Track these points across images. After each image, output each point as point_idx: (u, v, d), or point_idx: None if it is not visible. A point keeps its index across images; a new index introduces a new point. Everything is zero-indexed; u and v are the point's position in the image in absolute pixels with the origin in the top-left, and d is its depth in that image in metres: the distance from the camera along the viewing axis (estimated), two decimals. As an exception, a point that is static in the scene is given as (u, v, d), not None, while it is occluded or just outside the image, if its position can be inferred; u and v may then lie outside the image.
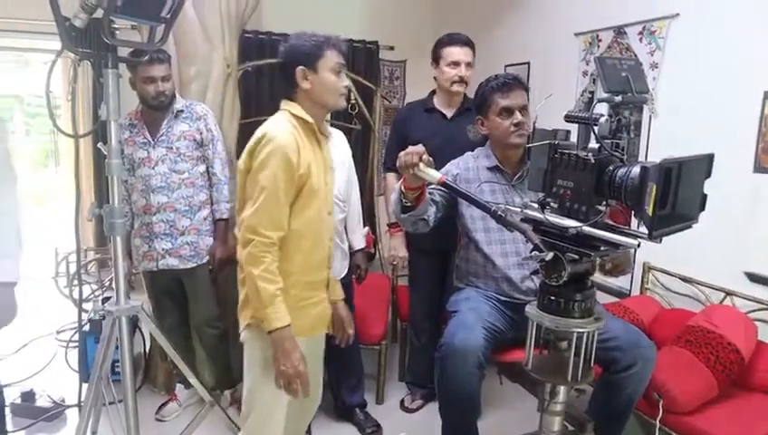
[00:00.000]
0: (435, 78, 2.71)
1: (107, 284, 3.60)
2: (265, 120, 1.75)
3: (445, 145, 2.40)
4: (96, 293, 3.62)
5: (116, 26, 1.80)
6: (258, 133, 1.66)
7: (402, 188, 1.84)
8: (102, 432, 2.11)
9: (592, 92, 3.23)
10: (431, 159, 1.69)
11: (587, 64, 3.26)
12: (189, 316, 2.73)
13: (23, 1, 3.49)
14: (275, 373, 1.66)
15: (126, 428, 1.95)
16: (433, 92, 2.77)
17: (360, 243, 2.57)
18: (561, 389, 1.61)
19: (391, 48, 4.78)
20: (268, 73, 4.26)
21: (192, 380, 2.18)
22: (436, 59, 2.66)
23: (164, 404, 2.79)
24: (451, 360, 1.81)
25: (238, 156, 2.90)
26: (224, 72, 2.86)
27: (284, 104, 1.74)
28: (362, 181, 3.13)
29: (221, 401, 2.72)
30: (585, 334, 1.49)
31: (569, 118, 1.53)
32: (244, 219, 1.65)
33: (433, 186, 1.87)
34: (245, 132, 3.01)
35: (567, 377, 1.52)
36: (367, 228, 2.68)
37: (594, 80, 3.19)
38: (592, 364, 1.57)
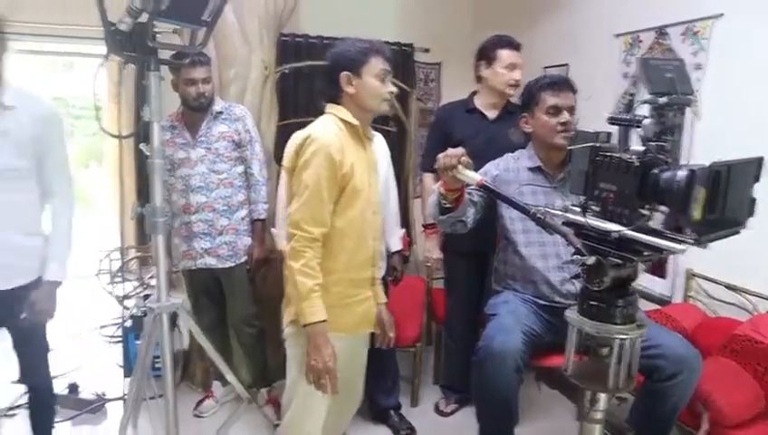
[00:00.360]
0: (479, 78, 2.65)
1: (147, 281, 3.68)
2: (303, 121, 1.80)
3: (487, 146, 2.37)
4: (137, 290, 3.71)
5: (157, 30, 1.84)
6: (304, 134, 1.72)
7: (441, 189, 1.84)
8: (142, 426, 2.16)
9: (633, 94, 3.16)
10: (470, 160, 1.69)
11: (627, 66, 3.19)
12: (227, 315, 2.77)
13: (68, 7, 3.61)
14: (306, 367, 1.70)
15: (166, 422, 2.00)
16: (473, 93, 2.74)
17: (397, 245, 2.57)
18: (602, 396, 1.57)
19: (426, 50, 4.77)
20: (305, 76, 4.30)
21: (230, 377, 2.21)
22: (488, 60, 2.59)
23: (201, 401, 2.84)
24: (489, 363, 1.80)
25: (276, 157, 2.98)
26: (262, 75, 2.90)
27: (329, 107, 1.80)
28: (397, 184, 3.13)
29: (257, 400, 2.76)
30: (627, 341, 1.46)
31: (613, 120, 1.50)
32: (289, 215, 1.71)
33: (472, 187, 1.86)
34: (283, 134, 3.06)
35: (608, 384, 1.48)
36: (403, 230, 2.68)
37: (635, 82, 3.12)
38: (634, 372, 1.53)
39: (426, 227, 2.83)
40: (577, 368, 1.57)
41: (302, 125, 1.91)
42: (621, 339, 1.45)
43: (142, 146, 1.90)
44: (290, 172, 1.77)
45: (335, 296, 1.75)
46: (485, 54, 2.60)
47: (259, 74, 2.88)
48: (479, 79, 2.66)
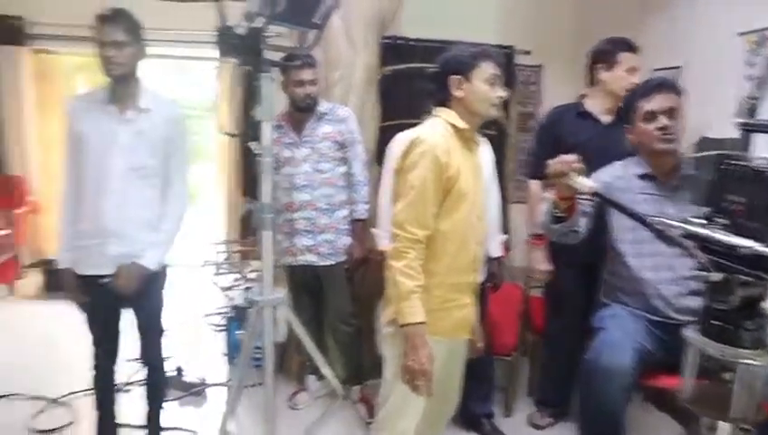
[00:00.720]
0: (593, 81, 2.54)
1: (247, 274, 3.84)
2: (404, 123, 1.80)
3: (601, 152, 2.22)
4: (238, 282, 3.87)
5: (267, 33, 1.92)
6: (412, 135, 1.73)
7: (553, 197, 1.79)
8: (240, 412, 2.25)
9: (756, 98, 2.90)
10: (584, 167, 1.62)
11: (751, 67, 2.95)
12: (324, 312, 2.84)
13: (180, 14, 3.86)
14: (402, 367, 1.70)
15: (264, 410, 2.08)
16: (582, 96, 2.62)
17: (497, 251, 2.52)
18: (722, 426, 1.46)
19: (527, 53, 4.66)
20: (405, 78, 4.33)
21: (326, 372, 2.26)
22: (608, 63, 2.47)
23: (296, 393, 2.93)
24: (596, 380, 1.72)
25: (377, 159, 3.02)
26: (365, 77, 2.95)
27: (438, 110, 1.81)
28: (497, 188, 3.08)
29: (351, 397, 2.81)
30: (756, 368, 1.34)
31: (746, 126, 1.39)
32: (393, 215, 1.72)
33: (583, 195, 1.79)
34: (385, 136, 3.09)
35: (730, 413, 1.37)
36: (504, 236, 2.62)
37: (760, 84, 2.86)
38: (762, 402, 1.40)
39: (533, 236, 2.73)
40: (695, 392, 1.47)
41: (403, 127, 1.93)
42: (750, 365, 1.33)
43: (254, 145, 1.98)
44: (395, 173, 1.78)
45: (435, 300, 1.75)
46: (604, 57, 2.48)
47: (362, 76, 2.92)
48: (593, 82, 2.54)
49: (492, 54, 1.76)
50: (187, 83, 7.60)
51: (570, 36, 4.53)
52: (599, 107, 2.53)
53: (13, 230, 4.41)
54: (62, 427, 2.69)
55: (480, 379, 2.61)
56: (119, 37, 1.98)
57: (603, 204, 1.94)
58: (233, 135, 2.27)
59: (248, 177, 4.08)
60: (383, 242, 2.51)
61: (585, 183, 1.61)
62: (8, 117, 4.69)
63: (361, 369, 2.86)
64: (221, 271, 3.99)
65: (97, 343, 2.24)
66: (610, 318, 1.95)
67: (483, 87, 1.73)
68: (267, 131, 1.96)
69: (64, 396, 2.90)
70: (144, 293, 2.13)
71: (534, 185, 2.63)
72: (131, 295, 2.11)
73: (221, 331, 3.60)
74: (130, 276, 2.07)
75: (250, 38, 1.85)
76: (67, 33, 4.54)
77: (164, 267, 2.21)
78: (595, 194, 1.60)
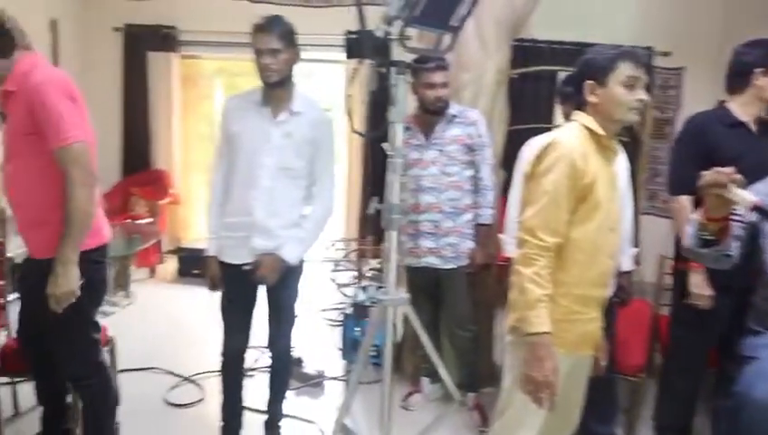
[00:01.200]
0: (744, 87, 2.29)
1: (365, 272, 3.93)
2: (531, 128, 1.75)
3: (758, 167, 1.92)
4: (355, 279, 3.98)
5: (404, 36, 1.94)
6: (547, 139, 1.68)
7: (701, 218, 1.64)
8: (354, 407, 2.30)
9: None
10: (742, 178, 1.47)
11: None
12: (441, 316, 2.83)
13: (310, 19, 4.02)
14: (523, 377, 1.65)
15: (381, 407, 2.11)
16: (722, 102, 2.37)
17: (628, 264, 2.38)
18: None
19: (667, 54, 4.37)
20: (532, 81, 4.23)
21: (444, 376, 2.24)
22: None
23: (410, 394, 2.94)
24: (747, 414, 1.56)
25: (504, 163, 2.96)
26: (495, 80, 2.90)
27: (576, 115, 1.75)
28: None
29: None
30: None
31: None
32: (523, 221, 1.67)
33: (735, 214, 1.63)
34: (512, 140, 3.03)
35: None
36: (636, 250, 2.47)
37: None
38: None
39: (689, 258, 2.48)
40: None
41: (530, 131, 1.87)
42: None
43: (385, 145, 2.01)
44: (527, 178, 1.73)
45: (562, 310, 1.68)
46: (763, 61, 2.23)
47: (492, 79, 2.88)
48: (743, 88, 2.30)
49: (631, 54, 1.66)
50: (312, 86, 7.97)
51: (715, 36, 4.19)
52: (747, 116, 2.29)
53: (156, 219, 4.83)
54: (192, 403, 2.90)
55: (603, 398, 2.46)
56: (274, 45, 2.06)
57: (758, 224, 1.75)
58: (363, 135, 2.31)
59: (375, 177, 4.16)
60: (509, 248, 2.45)
61: (745, 196, 1.46)
62: (157, 116, 5.17)
63: (477, 375, 2.81)
64: (339, 268, 4.13)
65: (228, 330, 2.34)
66: (764, 348, 1.76)
67: (619, 91, 1.63)
68: (399, 133, 1.98)
69: (196, 375, 3.12)
70: (281, 284, 2.23)
71: (684, 200, 2.34)
72: (270, 285, 2.23)
73: (337, 326, 3.71)
74: (271, 267, 2.17)
75: (384, 41, 1.88)
76: (211, 39, 4.94)
77: (301, 262, 2.31)
78: (756, 208, 1.45)
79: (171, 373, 3.17)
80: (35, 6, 4.40)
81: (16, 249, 2.58)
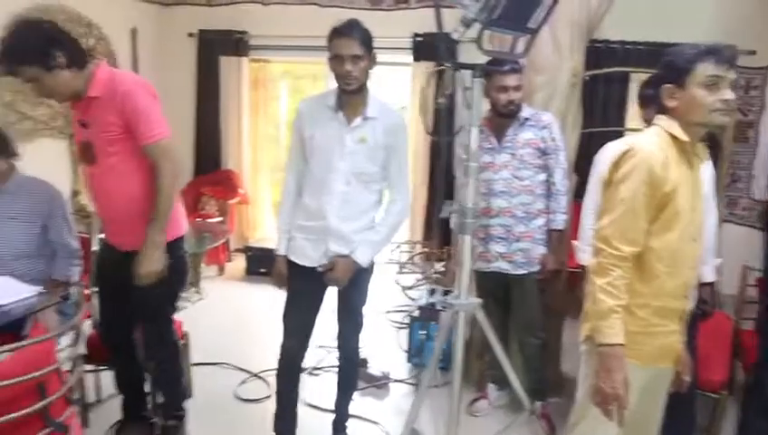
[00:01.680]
0: None
1: (430, 275, 3.91)
2: (603, 131, 1.69)
3: None
4: (420, 282, 3.97)
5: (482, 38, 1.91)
6: (625, 145, 1.62)
7: None
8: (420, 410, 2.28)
9: None
10: None
11: None
12: (510, 322, 2.78)
13: (375, 22, 4.02)
14: (593, 388, 1.60)
15: (449, 412, 2.09)
16: None
17: (710, 275, 2.27)
18: None
19: (752, 53, 4.13)
20: (604, 83, 4.11)
21: (515, 384, 2.20)
22: None
23: (476, 400, 2.90)
24: None
25: (576, 167, 2.89)
26: (569, 82, 2.83)
27: (657, 119, 1.67)
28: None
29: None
30: None
31: None
32: (598, 229, 1.63)
33: None
34: (583, 143, 2.95)
35: None
36: (719, 260, 2.35)
37: None
38: None
39: None
40: None
41: (602, 135, 1.80)
42: None
43: (459, 149, 2.00)
44: (604, 184, 1.68)
45: (639, 322, 1.62)
46: None
47: (566, 82, 2.81)
48: None
49: (712, 52, 1.54)
50: (379, 89, 8.01)
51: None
52: None
53: (226, 218, 4.98)
54: (260, 399, 2.97)
55: (682, 415, 2.36)
56: (356, 51, 2.02)
57: None
58: (437, 138, 2.29)
59: (443, 180, 4.12)
60: (583, 256, 2.38)
61: None
62: (227, 119, 5.33)
63: (545, 384, 2.75)
64: (403, 270, 4.12)
65: (288, 332, 2.32)
66: None
67: (699, 93, 1.54)
68: (474, 136, 1.98)
69: (263, 371, 3.19)
70: (352, 285, 2.24)
71: None
72: (341, 287, 2.24)
73: (402, 328, 3.71)
74: (345, 269, 2.18)
75: (455, 44, 1.87)
76: (279, 43, 5.06)
77: (372, 264, 2.32)
78: None
79: (240, 369, 3.26)
80: (117, 17, 4.67)
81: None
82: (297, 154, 2.26)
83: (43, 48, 1.93)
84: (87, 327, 2.74)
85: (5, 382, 1.41)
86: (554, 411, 2.73)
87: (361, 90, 2.13)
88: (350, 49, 2.02)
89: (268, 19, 5.14)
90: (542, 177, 2.58)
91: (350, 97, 2.13)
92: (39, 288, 2.12)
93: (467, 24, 1.82)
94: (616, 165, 1.61)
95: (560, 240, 2.61)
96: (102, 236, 2.37)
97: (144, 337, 2.33)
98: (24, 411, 1.48)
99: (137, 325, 2.34)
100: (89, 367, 2.56)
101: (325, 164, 2.16)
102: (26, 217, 2.32)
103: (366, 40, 2.06)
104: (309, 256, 2.24)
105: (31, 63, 1.93)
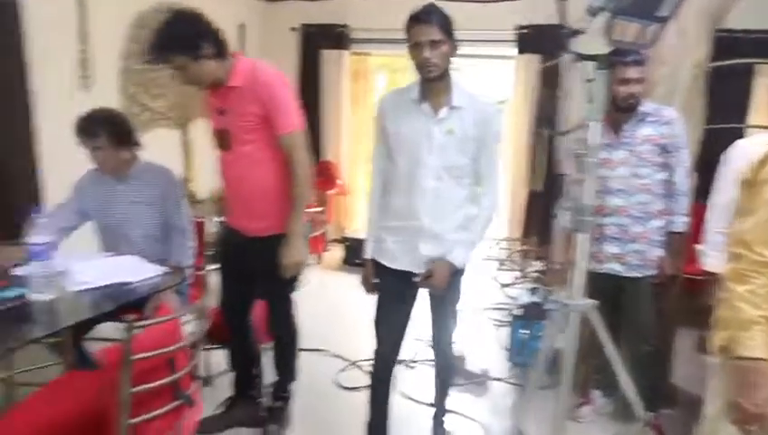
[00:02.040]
0: None
1: (530, 273, 3.82)
2: (729, 128, 1.54)
3: None
4: (518, 280, 3.88)
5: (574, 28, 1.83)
6: None
7: None
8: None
9: None
10: None
11: None
12: (621, 327, 2.65)
13: (478, 15, 3.96)
14: (730, 403, 1.49)
15: (554, 416, 2.03)
16: None
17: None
18: None
19: None
20: (726, 75, 3.82)
21: (629, 391, 2.10)
22: None
23: (581, 405, 2.80)
24: None
25: (698, 165, 2.70)
26: (692, 74, 2.65)
27: None
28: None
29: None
30: None
31: None
32: (737, 233, 1.51)
33: None
34: (709, 140, 2.76)
35: None
36: None
37: None
38: None
39: None
40: None
41: (727, 131, 1.66)
42: None
43: (575, 145, 1.92)
44: (744, 184, 1.55)
45: None
46: None
47: (689, 74, 2.64)
48: None
49: None
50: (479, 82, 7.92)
51: None
52: None
53: (325, 208, 5.11)
54: (359, 387, 3.01)
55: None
56: (435, 36, 1.91)
57: None
58: (560, 133, 2.21)
59: (549, 175, 3.98)
60: (709, 261, 2.23)
61: None
62: (327, 110, 5.46)
63: (658, 393, 2.60)
64: (502, 268, 4.04)
65: (381, 340, 2.24)
66: None
67: None
68: (595, 131, 1.89)
69: (361, 360, 3.24)
70: (446, 286, 2.12)
71: None
72: (440, 292, 2.14)
73: (501, 326, 3.65)
74: (443, 275, 2.06)
75: (567, 35, 1.80)
76: (378, 36, 5.11)
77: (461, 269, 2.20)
78: None
79: (339, 357, 3.33)
80: (227, 14, 4.89)
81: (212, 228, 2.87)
82: (381, 152, 2.18)
83: (193, 39, 2.05)
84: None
85: (147, 354, 1.51)
86: (667, 424, 2.59)
87: (443, 77, 2.00)
88: (428, 35, 1.91)
89: (368, 12, 5.22)
90: (662, 175, 2.43)
91: (433, 85, 2.01)
92: (164, 268, 2.23)
93: (594, 12, 1.76)
94: (762, 163, 1.49)
95: (680, 243, 2.45)
96: (223, 219, 2.49)
97: (270, 317, 2.50)
98: (159, 382, 1.58)
99: (254, 307, 2.48)
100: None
101: (413, 159, 2.05)
102: (149, 200, 2.41)
103: (445, 24, 1.93)
104: (399, 260, 2.14)
105: (181, 53, 2.05)
